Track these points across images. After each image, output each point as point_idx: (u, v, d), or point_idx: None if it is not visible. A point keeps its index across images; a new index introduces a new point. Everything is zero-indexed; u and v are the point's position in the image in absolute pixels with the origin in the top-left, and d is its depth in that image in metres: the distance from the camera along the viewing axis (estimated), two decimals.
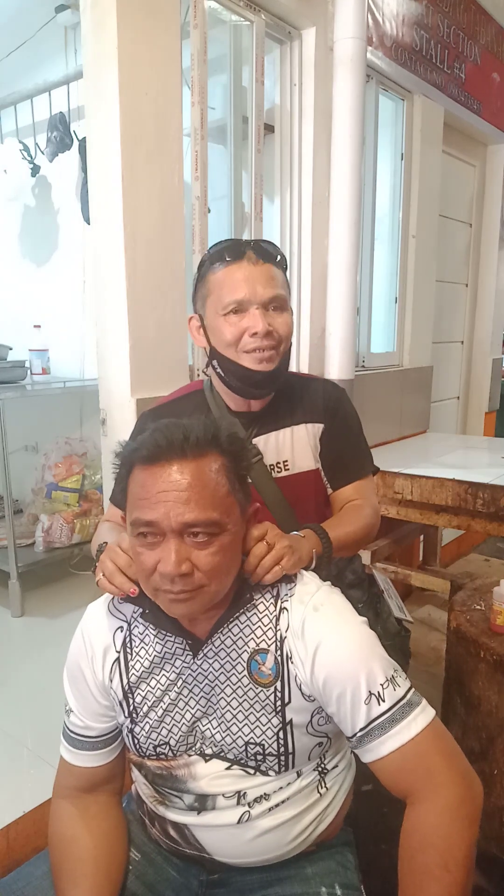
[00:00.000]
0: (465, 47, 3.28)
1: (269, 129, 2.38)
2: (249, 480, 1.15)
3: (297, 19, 2.28)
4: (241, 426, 1.23)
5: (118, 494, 0.93)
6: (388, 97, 2.90)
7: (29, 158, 2.98)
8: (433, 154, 3.11)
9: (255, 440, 1.24)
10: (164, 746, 0.95)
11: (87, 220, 2.47)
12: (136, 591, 0.92)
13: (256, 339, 1.14)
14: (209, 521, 0.83)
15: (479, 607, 1.68)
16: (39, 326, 2.93)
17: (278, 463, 1.25)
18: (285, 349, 1.20)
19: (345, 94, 2.31)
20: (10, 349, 2.89)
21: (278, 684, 0.91)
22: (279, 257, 1.18)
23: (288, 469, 1.25)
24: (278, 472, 1.25)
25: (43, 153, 2.82)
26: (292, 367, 1.32)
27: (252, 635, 0.92)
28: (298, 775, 0.96)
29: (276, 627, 0.92)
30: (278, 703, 0.91)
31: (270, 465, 1.24)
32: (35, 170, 3.00)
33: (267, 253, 1.16)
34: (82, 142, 2.63)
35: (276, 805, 0.94)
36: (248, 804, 0.94)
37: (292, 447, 1.25)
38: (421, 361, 3.26)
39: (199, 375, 2.09)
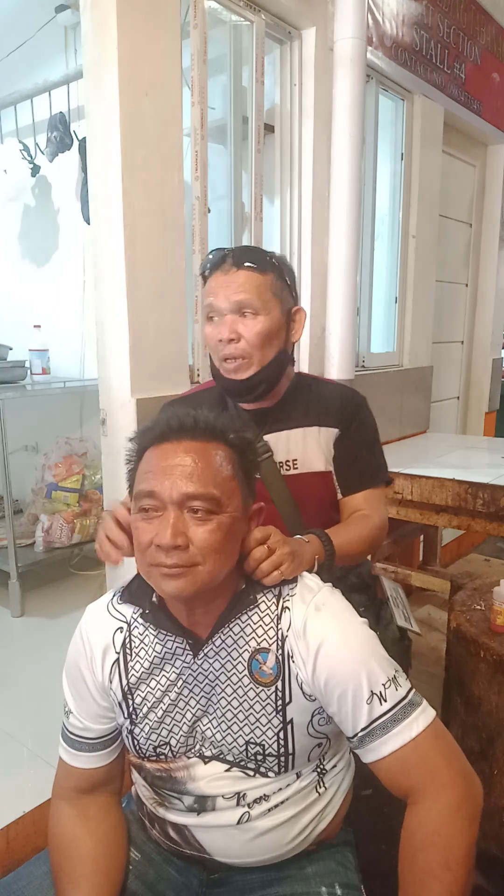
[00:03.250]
0: (465, 47, 3.28)
1: (269, 129, 2.38)
2: (258, 476, 1.18)
3: (297, 19, 2.28)
4: (253, 422, 1.26)
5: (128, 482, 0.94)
6: (388, 97, 2.90)
7: (29, 158, 2.98)
8: (433, 154, 3.11)
9: (266, 437, 1.26)
10: (164, 747, 0.95)
11: (87, 220, 2.47)
12: (121, 559, 0.97)
13: (223, 346, 1.18)
14: (209, 496, 0.84)
15: (479, 607, 1.68)
16: (39, 326, 2.93)
17: (287, 461, 1.26)
18: (263, 357, 1.19)
19: (345, 94, 2.31)
20: (10, 349, 2.90)
21: (279, 684, 0.91)
22: (258, 262, 1.18)
23: (296, 468, 1.26)
24: (286, 469, 1.26)
25: (43, 153, 2.82)
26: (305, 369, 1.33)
27: (253, 634, 0.92)
28: (298, 776, 0.96)
29: (277, 627, 0.92)
30: (279, 702, 0.91)
31: (279, 463, 1.26)
32: (35, 170, 3.00)
33: (242, 259, 1.18)
34: (82, 142, 2.63)
35: (276, 805, 0.94)
36: (248, 805, 0.94)
37: (302, 447, 1.26)
38: (421, 361, 3.26)
39: (198, 375, 2.09)
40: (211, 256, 1.22)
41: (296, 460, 1.26)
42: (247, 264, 1.17)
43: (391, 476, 2.38)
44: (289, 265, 1.27)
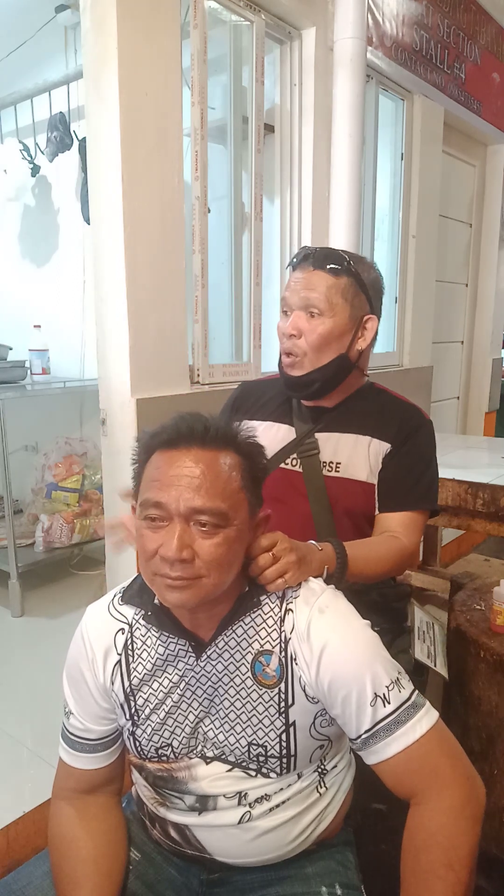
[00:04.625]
0: (465, 47, 3.28)
1: (269, 129, 2.38)
2: (300, 470, 1.26)
3: (297, 19, 2.28)
4: (308, 418, 1.30)
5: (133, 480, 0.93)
6: (388, 97, 2.90)
7: (29, 158, 2.98)
8: (433, 154, 3.11)
9: (318, 435, 1.28)
10: (166, 748, 0.95)
11: (87, 220, 2.47)
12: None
13: (285, 340, 1.23)
14: (217, 511, 0.83)
15: (479, 607, 1.68)
16: (39, 326, 2.93)
17: (330, 462, 1.27)
18: (318, 358, 1.22)
19: (345, 94, 2.31)
20: (10, 349, 2.90)
21: (282, 686, 0.91)
22: (337, 266, 1.20)
23: (338, 471, 1.27)
24: (328, 471, 1.27)
25: (43, 153, 2.83)
26: None
27: (256, 636, 0.92)
28: (299, 777, 0.96)
29: (280, 629, 0.91)
30: (282, 704, 0.91)
31: (323, 462, 1.27)
32: (35, 170, 3.00)
33: (320, 260, 1.21)
34: (82, 142, 2.63)
35: (277, 805, 0.94)
36: (249, 805, 0.93)
37: (349, 453, 1.27)
38: (421, 361, 3.26)
39: (198, 375, 2.09)
40: (299, 253, 1.26)
41: (339, 463, 1.26)
42: (324, 266, 1.20)
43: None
44: (373, 274, 1.27)
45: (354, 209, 2.39)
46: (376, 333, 1.28)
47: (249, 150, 2.23)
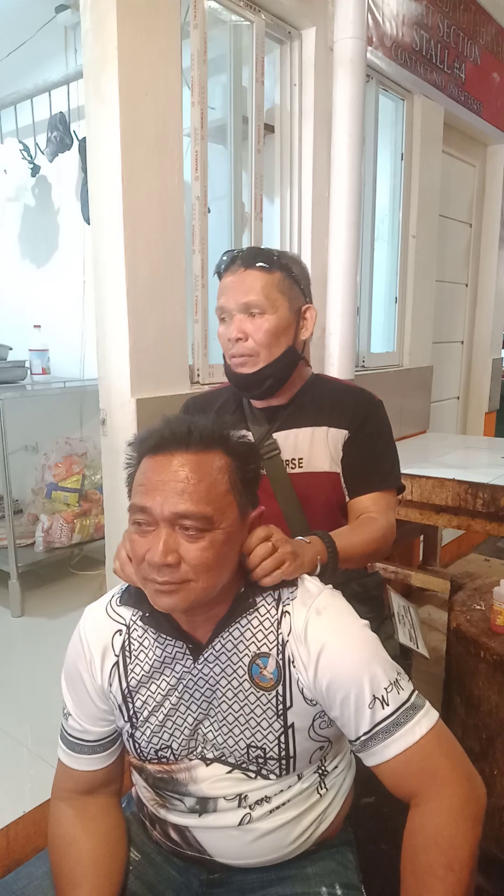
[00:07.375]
0: (465, 47, 3.28)
1: (269, 129, 2.38)
2: (264, 471, 1.19)
3: (297, 19, 2.28)
4: (264, 419, 1.29)
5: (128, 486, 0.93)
6: (388, 97, 2.90)
7: (29, 158, 2.98)
8: (433, 154, 3.10)
9: (275, 435, 1.28)
10: (165, 750, 0.95)
11: (87, 220, 2.47)
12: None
13: (232, 345, 1.22)
14: (201, 515, 0.82)
15: (479, 607, 1.68)
16: (39, 326, 2.93)
17: (293, 459, 1.28)
18: (270, 353, 1.22)
19: (345, 94, 2.31)
20: (10, 349, 2.90)
21: (280, 688, 0.91)
22: (266, 262, 1.21)
23: (301, 466, 1.28)
24: (292, 468, 1.28)
25: (43, 153, 2.82)
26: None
27: (253, 639, 0.92)
28: (299, 778, 0.96)
29: (277, 631, 0.91)
30: (280, 706, 0.91)
31: (285, 461, 1.27)
32: (35, 170, 3.00)
33: (250, 259, 1.21)
34: (82, 142, 2.63)
35: (277, 807, 0.94)
36: (249, 806, 0.93)
37: (309, 446, 1.28)
38: (421, 361, 3.26)
39: (198, 375, 2.09)
40: (224, 258, 1.25)
41: (301, 459, 1.27)
42: (255, 265, 1.20)
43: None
44: (301, 264, 1.28)
45: (354, 209, 2.39)
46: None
47: (249, 150, 2.23)
